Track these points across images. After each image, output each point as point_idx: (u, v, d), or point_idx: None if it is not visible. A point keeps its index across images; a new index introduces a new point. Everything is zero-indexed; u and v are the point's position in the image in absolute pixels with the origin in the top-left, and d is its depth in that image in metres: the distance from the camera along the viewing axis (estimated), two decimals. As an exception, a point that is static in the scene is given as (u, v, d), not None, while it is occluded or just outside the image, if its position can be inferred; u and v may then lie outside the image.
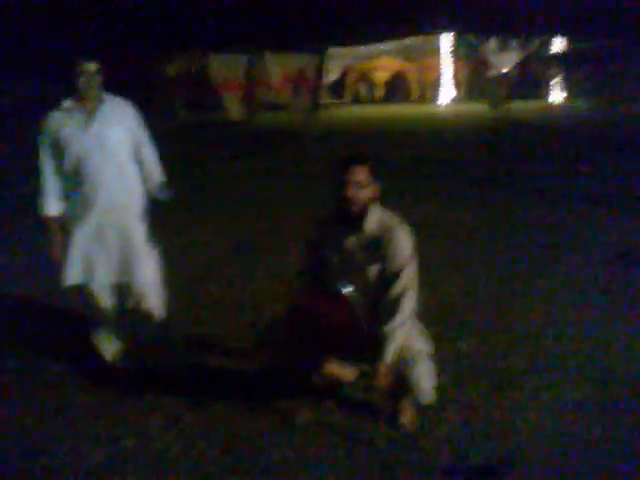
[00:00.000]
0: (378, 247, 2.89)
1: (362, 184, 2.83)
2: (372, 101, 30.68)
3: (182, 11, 29.16)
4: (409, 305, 2.87)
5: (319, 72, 17.67)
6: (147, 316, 3.49)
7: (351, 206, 2.83)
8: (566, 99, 20.94)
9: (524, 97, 23.51)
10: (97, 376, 3.59)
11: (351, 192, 2.81)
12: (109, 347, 3.59)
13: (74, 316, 4.20)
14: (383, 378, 2.75)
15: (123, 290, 3.48)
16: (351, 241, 2.93)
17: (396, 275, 2.86)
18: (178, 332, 3.66)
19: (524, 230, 6.52)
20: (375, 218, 2.92)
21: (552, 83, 22.16)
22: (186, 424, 3.12)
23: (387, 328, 2.79)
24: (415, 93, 31.39)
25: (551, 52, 20.57)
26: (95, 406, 3.33)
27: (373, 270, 2.91)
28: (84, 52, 3.30)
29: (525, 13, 26.67)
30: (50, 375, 3.68)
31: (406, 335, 2.86)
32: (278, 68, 18.04)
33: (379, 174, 2.94)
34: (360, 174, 2.84)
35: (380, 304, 2.88)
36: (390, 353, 2.77)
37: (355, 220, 2.89)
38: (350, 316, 2.81)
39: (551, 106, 19.92)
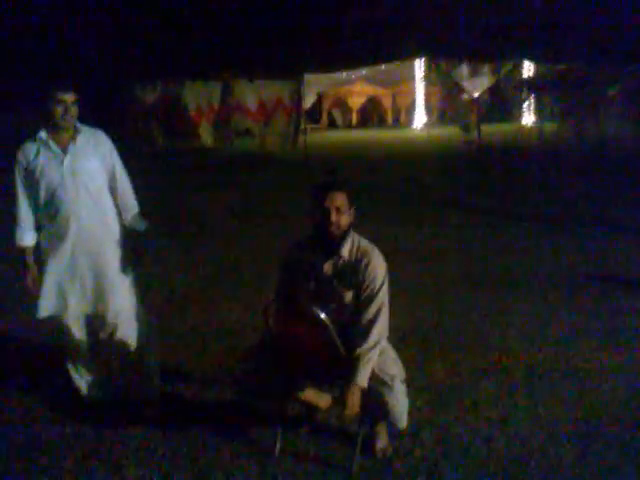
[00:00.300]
0: (354, 273, 2.92)
1: (341, 210, 2.86)
2: (348, 126, 31.07)
3: (159, 40, 29.36)
4: (381, 328, 2.90)
5: (299, 98, 17.82)
6: (121, 346, 3.47)
7: (331, 232, 2.86)
8: (535, 122, 21.39)
9: (496, 120, 24.02)
10: (70, 407, 3.55)
11: (332, 218, 2.84)
12: (83, 378, 3.57)
13: (47, 346, 4.16)
14: (352, 401, 2.74)
15: (97, 320, 3.46)
16: (328, 266, 2.95)
17: (369, 299, 2.90)
18: (153, 361, 3.64)
19: (498, 253, 6.63)
20: (351, 244, 2.96)
21: (524, 106, 22.62)
22: (160, 455, 3.09)
23: (359, 351, 2.81)
24: (390, 118, 31.92)
25: (521, 76, 21.01)
26: (68, 438, 3.29)
27: (349, 296, 2.94)
28: (61, 82, 3.29)
29: (496, 39, 27.40)
30: (22, 406, 3.63)
31: (379, 359, 2.88)
32: (253, 95, 18.17)
33: (355, 199, 2.98)
34: (339, 200, 2.87)
35: (353, 328, 2.92)
36: (362, 375, 2.78)
37: (332, 246, 2.92)
38: (326, 341, 2.82)
39: (522, 129, 20.32)
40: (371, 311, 2.89)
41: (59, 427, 3.40)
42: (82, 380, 3.57)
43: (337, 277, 2.94)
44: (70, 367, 3.56)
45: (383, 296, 2.92)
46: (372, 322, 2.88)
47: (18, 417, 3.53)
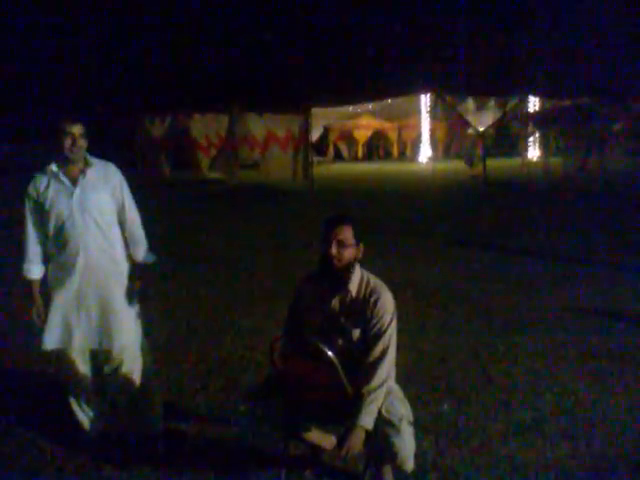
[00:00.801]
0: (362, 309, 2.89)
1: (346, 243, 2.85)
2: (354, 159, 31.30)
3: (168, 73, 29.89)
4: (388, 367, 2.86)
5: (307, 131, 18.06)
6: (125, 382, 3.44)
7: (335, 265, 2.84)
8: (541, 157, 21.54)
9: (502, 155, 24.17)
10: (72, 443, 3.50)
11: (335, 251, 2.83)
12: (85, 413, 3.52)
13: (51, 380, 4.12)
14: (353, 442, 2.69)
15: (102, 355, 3.43)
16: (335, 302, 2.93)
17: (377, 337, 2.86)
18: (156, 398, 3.60)
19: (503, 289, 6.58)
20: (359, 280, 2.94)
21: (529, 141, 22.80)
22: (163, 494, 3.05)
23: (364, 390, 2.77)
24: (395, 151, 32.19)
25: (527, 111, 21.24)
26: (68, 474, 3.23)
27: (356, 333, 2.91)
28: (70, 114, 3.32)
29: (502, 74, 27.77)
30: (23, 441, 3.58)
31: (387, 400, 2.83)
32: (262, 128, 18.42)
33: (363, 234, 2.97)
34: (344, 233, 2.86)
35: (360, 366, 2.88)
36: (366, 416, 2.72)
37: (339, 280, 2.90)
38: (333, 379, 2.78)
39: (527, 164, 20.43)
40: (378, 349, 2.85)
41: (59, 462, 3.35)
42: (84, 415, 3.51)
43: (345, 314, 2.91)
44: (72, 401, 3.51)
45: (391, 334, 2.89)
46: (378, 360, 2.83)
47: (17, 451, 3.48)
